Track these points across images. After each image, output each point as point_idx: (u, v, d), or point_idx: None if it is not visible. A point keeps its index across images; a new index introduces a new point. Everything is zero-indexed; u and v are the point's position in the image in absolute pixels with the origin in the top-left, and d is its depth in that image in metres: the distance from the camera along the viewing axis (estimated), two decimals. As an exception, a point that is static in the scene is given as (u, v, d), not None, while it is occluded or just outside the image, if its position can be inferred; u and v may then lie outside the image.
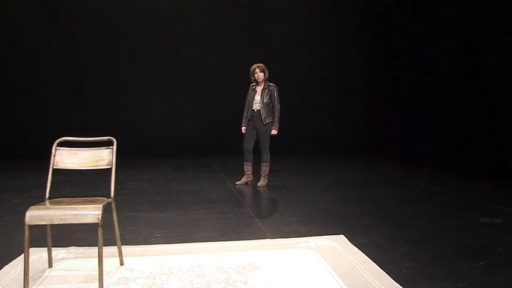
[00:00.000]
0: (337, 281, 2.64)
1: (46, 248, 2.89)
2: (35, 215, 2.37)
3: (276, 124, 5.55)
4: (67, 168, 2.82)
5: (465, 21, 7.30)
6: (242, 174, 5.92)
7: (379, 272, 2.79)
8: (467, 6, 7.24)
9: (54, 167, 2.79)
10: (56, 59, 8.76)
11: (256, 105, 5.57)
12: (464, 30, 7.32)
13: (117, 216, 2.85)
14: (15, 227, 3.79)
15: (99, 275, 2.41)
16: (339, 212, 4.42)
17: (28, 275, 2.40)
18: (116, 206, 2.81)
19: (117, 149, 2.84)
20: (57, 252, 3.10)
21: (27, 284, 2.39)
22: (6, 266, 2.89)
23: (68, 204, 2.51)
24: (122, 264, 2.90)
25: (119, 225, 2.87)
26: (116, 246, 2.91)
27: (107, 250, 3.02)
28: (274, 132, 5.55)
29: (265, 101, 5.53)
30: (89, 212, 2.41)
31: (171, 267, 2.85)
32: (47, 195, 2.71)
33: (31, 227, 2.38)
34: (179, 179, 6.34)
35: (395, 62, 9.37)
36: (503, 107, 6.58)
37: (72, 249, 3.22)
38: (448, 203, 4.91)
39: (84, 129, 8.07)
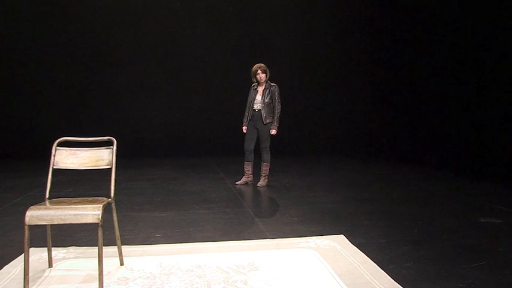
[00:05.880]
0: (337, 281, 2.64)
1: (46, 248, 2.89)
2: (35, 215, 2.37)
3: (275, 124, 5.56)
4: (67, 168, 2.82)
5: (464, 21, 7.30)
6: (242, 174, 5.92)
7: (379, 272, 2.79)
8: (465, 7, 7.24)
9: (54, 167, 2.79)
10: (56, 59, 8.76)
11: (257, 105, 5.58)
12: (465, 29, 7.32)
13: (117, 216, 2.85)
14: (15, 227, 3.79)
15: (99, 275, 2.41)
16: (339, 212, 4.42)
17: (28, 275, 2.39)
18: (115, 206, 2.80)
19: (117, 149, 2.84)
20: (57, 252, 3.10)
21: (27, 284, 2.39)
22: (6, 266, 2.88)
23: (68, 204, 2.51)
24: (122, 264, 2.90)
25: (118, 225, 2.87)
26: (116, 246, 2.91)
27: (107, 250, 3.02)
28: (273, 132, 5.56)
29: (266, 100, 5.53)
30: (89, 212, 2.41)
31: (171, 267, 2.85)
32: (47, 195, 2.71)
33: (31, 227, 2.37)
34: (179, 179, 6.34)
35: (395, 62, 9.37)
36: (503, 106, 6.58)
37: (72, 249, 3.22)
38: (448, 203, 4.91)
39: (84, 129, 8.10)
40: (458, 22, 7.47)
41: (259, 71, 5.55)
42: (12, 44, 8.63)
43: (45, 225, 2.69)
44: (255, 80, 5.64)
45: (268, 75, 5.60)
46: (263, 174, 5.76)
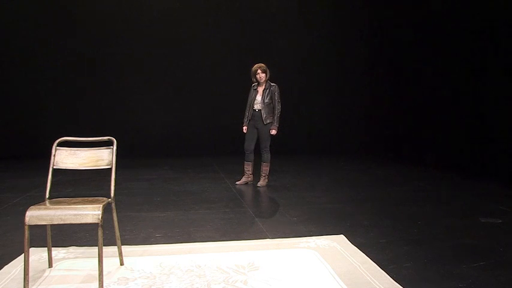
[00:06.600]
0: (337, 281, 2.64)
1: (46, 248, 2.89)
2: (35, 215, 2.37)
3: (275, 124, 5.56)
4: (67, 168, 2.82)
5: (466, 20, 7.30)
6: (242, 174, 5.92)
7: (379, 272, 2.79)
8: (467, 5, 7.24)
9: (54, 167, 2.79)
10: (56, 59, 8.75)
11: (258, 105, 5.58)
12: (466, 29, 7.31)
13: (117, 216, 2.85)
14: (15, 227, 3.79)
15: (99, 275, 2.41)
16: (339, 212, 4.42)
17: (28, 275, 2.39)
18: (115, 206, 2.81)
19: (117, 149, 2.84)
20: (57, 252, 3.10)
21: (27, 284, 2.39)
22: (6, 266, 2.89)
23: (68, 204, 2.51)
24: (122, 264, 2.90)
25: (118, 225, 2.87)
26: (116, 246, 2.91)
27: (107, 250, 3.02)
28: (273, 132, 5.56)
29: (266, 101, 5.54)
30: (89, 212, 2.41)
31: (171, 267, 2.85)
32: (47, 195, 2.71)
33: (31, 227, 2.38)
34: (179, 179, 6.33)
35: (395, 62, 9.37)
36: (503, 106, 6.57)
37: (72, 249, 3.22)
38: (448, 203, 4.91)
39: (84, 129, 8.08)
40: (458, 22, 7.47)
41: (259, 71, 5.55)
42: (12, 44, 8.62)
43: (45, 225, 2.69)
44: (255, 80, 5.64)
45: (268, 75, 5.60)
46: (263, 174, 5.76)
